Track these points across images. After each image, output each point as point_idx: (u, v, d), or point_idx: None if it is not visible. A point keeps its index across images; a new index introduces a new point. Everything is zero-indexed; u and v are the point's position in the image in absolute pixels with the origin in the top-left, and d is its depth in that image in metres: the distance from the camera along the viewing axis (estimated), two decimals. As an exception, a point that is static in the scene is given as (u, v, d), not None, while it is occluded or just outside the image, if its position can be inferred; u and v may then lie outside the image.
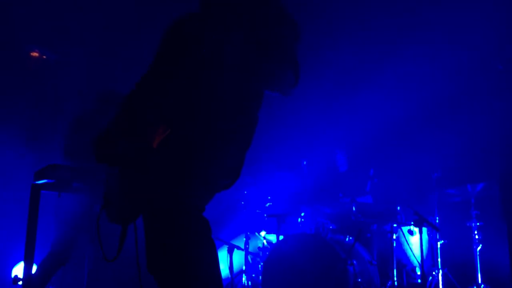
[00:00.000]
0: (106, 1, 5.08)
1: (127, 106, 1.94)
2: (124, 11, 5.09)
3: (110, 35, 5.20)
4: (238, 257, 4.84)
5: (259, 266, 4.58)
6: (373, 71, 5.23)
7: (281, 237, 4.35)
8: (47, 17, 4.96)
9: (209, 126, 1.93)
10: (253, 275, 4.66)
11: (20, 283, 3.08)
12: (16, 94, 4.98)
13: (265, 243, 4.67)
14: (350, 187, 4.84)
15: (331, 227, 4.40)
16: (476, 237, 4.44)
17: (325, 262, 3.85)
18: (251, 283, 4.55)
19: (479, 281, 4.33)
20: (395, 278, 4.10)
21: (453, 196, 4.64)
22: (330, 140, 5.25)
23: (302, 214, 4.53)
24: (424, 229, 4.32)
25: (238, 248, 4.76)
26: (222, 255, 4.79)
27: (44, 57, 5.13)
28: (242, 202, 4.89)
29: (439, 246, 4.45)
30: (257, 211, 4.87)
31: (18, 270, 4.38)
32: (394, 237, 4.21)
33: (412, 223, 4.23)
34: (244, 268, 4.59)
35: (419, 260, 4.04)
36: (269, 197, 4.89)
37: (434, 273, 4.36)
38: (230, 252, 4.70)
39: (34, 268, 3.31)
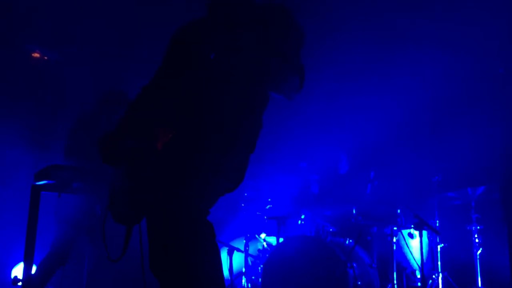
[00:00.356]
0: (107, 1, 5.09)
1: (134, 109, 1.95)
2: (126, 11, 5.09)
3: (112, 35, 5.20)
4: (238, 259, 4.84)
5: (259, 268, 4.58)
6: (374, 75, 5.24)
7: (281, 240, 4.35)
8: (48, 17, 4.96)
9: (215, 129, 1.94)
10: (253, 277, 4.65)
11: (19, 283, 3.07)
12: (18, 94, 4.98)
13: (265, 245, 4.66)
14: (350, 190, 4.84)
15: (331, 229, 4.40)
16: (476, 240, 4.44)
17: (325, 264, 3.84)
18: (250, 285, 4.55)
19: (479, 285, 4.33)
20: (395, 281, 4.10)
21: (453, 199, 4.64)
22: (331, 142, 5.25)
23: (302, 217, 4.53)
24: (424, 232, 4.32)
25: (238, 250, 4.76)
26: (222, 257, 4.78)
27: (46, 58, 5.13)
28: (242, 204, 4.89)
29: (439, 249, 4.44)
30: (257, 213, 4.87)
31: (17, 271, 4.38)
32: (394, 240, 4.20)
33: (412, 226, 4.23)
34: (244, 270, 4.59)
35: (419, 263, 4.04)
36: (269, 199, 4.89)
37: (434, 276, 4.36)
38: (230, 254, 4.69)
39: (34, 269, 3.31)
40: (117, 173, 2.01)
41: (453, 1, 4.84)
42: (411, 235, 4.40)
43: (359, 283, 3.83)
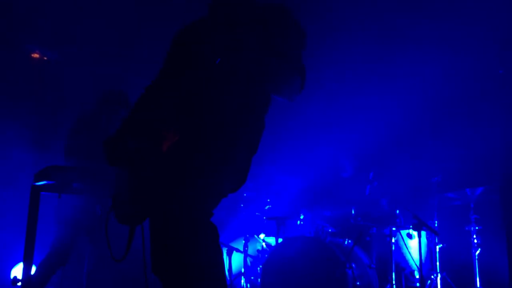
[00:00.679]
0: (107, 1, 5.09)
1: (137, 110, 1.96)
2: (126, 11, 5.09)
3: (112, 35, 5.20)
4: (237, 260, 4.85)
5: (258, 268, 4.59)
6: (374, 75, 5.24)
7: (280, 240, 4.36)
8: (48, 17, 4.96)
9: (218, 130, 1.95)
10: (252, 277, 4.66)
11: (19, 284, 3.08)
12: (18, 94, 4.98)
13: (264, 245, 4.67)
14: (350, 190, 4.85)
15: (330, 230, 4.41)
16: (475, 241, 4.45)
17: (324, 265, 3.85)
18: (250, 285, 4.56)
19: (478, 285, 4.33)
20: (394, 282, 4.11)
21: (452, 200, 4.64)
22: (331, 143, 5.26)
23: (302, 217, 4.53)
24: (423, 233, 4.33)
25: (237, 250, 4.76)
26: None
27: (45, 58, 5.13)
28: (242, 205, 4.90)
29: (438, 249, 4.45)
30: (257, 213, 4.87)
31: (17, 271, 4.38)
32: (393, 240, 4.21)
33: (411, 226, 4.24)
34: (243, 270, 4.60)
35: (418, 263, 4.04)
36: (268, 200, 4.89)
37: (432, 276, 4.37)
38: (229, 255, 4.70)
39: (33, 269, 3.31)
40: (120, 173, 2.02)
41: (453, 1, 4.85)
42: (410, 236, 4.40)
43: (358, 283, 3.83)
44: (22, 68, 5.15)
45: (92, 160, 3.66)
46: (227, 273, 4.68)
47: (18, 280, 3.11)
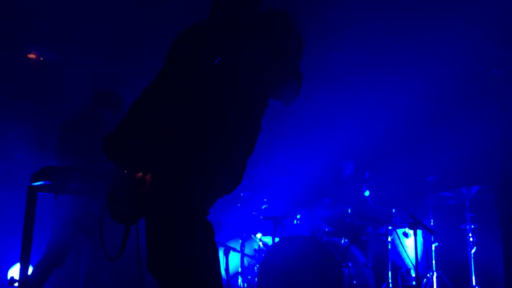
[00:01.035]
0: (107, 1, 5.10)
1: (137, 110, 1.97)
2: (125, 11, 5.10)
3: (111, 35, 5.21)
4: (234, 259, 4.85)
5: (255, 268, 4.60)
6: (371, 76, 5.25)
7: (277, 239, 4.37)
8: (48, 18, 4.97)
9: (217, 131, 1.96)
10: (249, 277, 4.67)
11: (16, 284, 3.09)
12: (18, 95, 4.98)
13: (261, 245, 4.68)
14: (346, 190, 4.86)
15: (326, 229, 4.42)
16: (471, 239, 4.47)
17: (321, 264, 3.87)
18: (247, 285, 4.57)
19: (473, 283, 4.35)
20: (390, 280, 4.13)
21: (448, 199, 4.66)
22: (326, 143, 5.27)
23: (298, 217, 4.55)
24: (419, 232, 4.35)
25: (234, 250, 4.77)
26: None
27: (41, 58, 5.13)
28: (239, 204, 4.90)
29: (433, 248, 4.47)
30: (253, 213, 4.88)
31: (14, 272, 4.39)
32: (389, 239, 4.23)
33: (407, 225, 4.26)
34: (240, 270, 4.61)
35: (414, 262, 4.06)
36: (265, 199, 4.90)
37: (428, 275, 4.39)
38: (226, 254, 4.71)
39: (30, 270, 3.32)
40: (117, 172, 2.03)
41: (448, 2, 4.87)
42: (406, 235, 4.42)
43: (354, 282, 3.85)
44: (22, 68, 5.15)
45: (83, 159, 3.67)
46: (224, 272, 4.69)
47: (15, 281, 3.11)
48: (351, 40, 5.05)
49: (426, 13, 4.97)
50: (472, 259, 4.41)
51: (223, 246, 4.78)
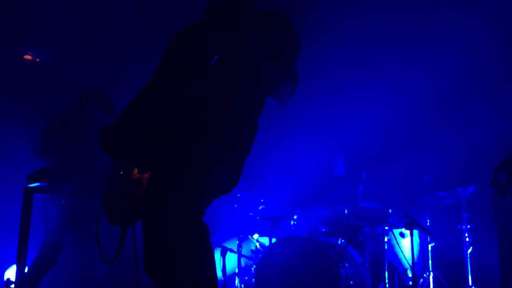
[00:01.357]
0: (106, 1, 5.10)
1: (132, 111, 1.97)
2: (124, 11, 5.10)
3: (110, 35, 5.21)
4: (231, 260, 4.85)
5: (252, 268, 4.60)
6: (366, 77, 5.27)
7: (273, 240, 4.37)
8: (47, 18, 4.96)
9: (214, 132, 1.96)
10: (246, 277, 4.67)
11: (12, 286, 3.07)
12: (16, 95, 4.97)
13: (258, 246, 4.68)
14: (343, 190, 4.87)
15: (323, 230, 4.43)
16: (467, 239, 4.48)
17: (318, 264, 3.87)
18: (244, 285, 4.57)
19: (470, 283, 4.37)
20: (387, 281, 4.13)
21: (444, 199, 4.68)
22: (323, 142, 5.28)
23: (295, 217, 4.55)
24: (416, 232, 4.36)
25: (231, 250, 4.77)
26: (215, 257, 4.78)
27: (38, 59, 5.12)
28: (235, 205, 4.90)
29: (430, 248, 4.48)
30: (250, 214, 4.89)
31: (10, 273, 4.37)
32: (386, 239, 4.24)
33: (403, 225, 4.27)
34: (237, 270, 4.61)
35: (410, 262, 4.07)
36: (262, 200, 4.90)
37: (425, 275, 4.40)
38: (223, 255, 4.71)
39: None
40: (113, 174, 2.03)
41: (445, 2, 4.89)
42: (402, 235, 4.43)
43: (351, 282, 3.86)
44: (20, 68, 5.14)
45: (66, 160, 3.65)
46: (221, 273, 4.68)
47: (12, 282, 3.10)
48: (349, 40, 5.07)
49: (423, 14, 4.99)
50: (469, 259, 4.42)
51: (220, 247, 4.78)
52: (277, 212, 4.75)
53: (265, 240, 4.72)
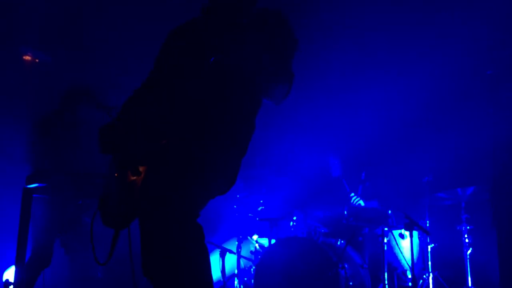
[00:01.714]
0: (101, 2, 5.10)
1: (128, 112, 1.96)
2: (121, 12, 5.10)
3: (109, 35, 5.21)
4: (231, 261, 4.85)
5: (251, 269, 4.60)
6: (365, 77, 5.27)
7: (273, 241, 4.37)
8: (45, 19, 4.96)
9: (213, 132, 1.95)
10: (245, 278, 4.67)
11: (11, 287, 3.07)
12: (15, 96, 4.97)
13: (257, 246, 4.68)
14: (342, 191, 4.87)
15: (323, 230, 4.42)
16: (466, 240, 4.48)
17: (317, 265, 3.87)
18: (243, 286, 4.56)
19: (469, 284, 4.37)
20: (386, 282, 4.13)
21: (443, 200, 4.68)
22: (322, 143, 5.27)
23: (294, 218, 4.54)
24: (415, 233, 4.36)
25: (231, 251, 4.77)
26: (215, 258, 4.79)
27: (37, 60, 5.12)
28: (235, 206, 4.90)
29: (429, 249, 4.48)
30: (250, 214, 4.88)
31: (9, 274, 4.37)
32: (385, 240, 4.23)
33: (403, 226, 4.26)
34: (236, 271, 4.61)
35: (410, 263, 4.07)
36: (261, 201, 4.90)
37: (424, 276, 4.40)
38: (223, 256, 4.71)
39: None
40: (109, 176, 2.02)
41: (443, 2, 4.89)
42: (402, 236, 4.43)
43: (350, 283, 3.85)
44: (19, 69, 5.14)
45: (55, 159, 3.63)
46: (220, 274, 4.68)
47: (10, 283, 3.10)
48: (348, 40, 5.07)
49: (421, 14, 4.99)
50: (468, 260, 4.42)
51: (219, 247, 4.78)
52: (277, 213, 4.74)
53: (264, 241, 4.71)
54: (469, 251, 4.45)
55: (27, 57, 5.05)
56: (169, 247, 1.81)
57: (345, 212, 4.45)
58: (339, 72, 5.30)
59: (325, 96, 5.38)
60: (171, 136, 1.91)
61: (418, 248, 4.48)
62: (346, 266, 3.90)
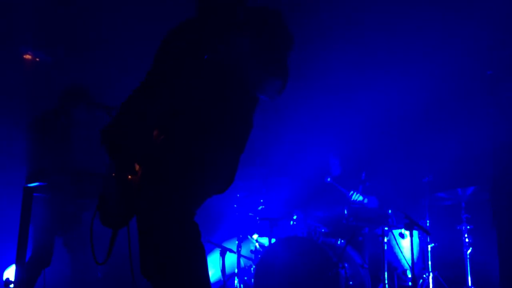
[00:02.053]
0: (100, 2, 5.10)
1: (127, 112, 1.96)
2: (121, 12, 5.10)
3: (107, 35, 5.21)
4: (231, 260, 4.85)
5: (251, 269, 4.60)
6: (365, 76, 5.27)
7: (273, 240, 4.37)
8: (43, 18, 4.96)
9: (207, 131, 1.95)
10: (245, 278, 4.67)
11: (11, 286, 3.07)
12: (13, 96, 4.97)
13: (258, 246, 4.68)
14: (338, 180, 4.86)
15: (323, 230, 4.43)
16: (466, 240, 4.48)
17: (317, 265, 3.87)
18: (243, 286, 4.57)
19: (469, 284, 4.37)
20: (386, 281, 4.13)
21: (443, 200, 4.68)
22: (322, 143, 5.28)
23: (295, 217, 4.55)
24: (415, 232, 4.36)
25: (231, 251, 4.77)
26: (215, 258, 4.80)
27: (37, 59, 5.12)
28: (235, 205, 4.90)
29: (429, 249, 4.48)
30: (250, 214, 4.89)
31: (9, 273, 4.37)
32: (386, 240, 4.24)
33: (403, 226, 4.27)
34: (236, 271, 4.61)
35: (410, 263, 4.07)
36: (261, 200, 4.90)
37: (424, 276, 4.40)
38: (223, 255, 4.71)
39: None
40: (109, 175, 2.02)
41: (442, 2, 4.89)
42: (402, 235, 4.43)
43: (350, 283, 3.86)
44: (19, 69, 5.14)
45: (53, 160, 3.63)
46: (220, 273, 4.68)
47: (11, 282, 3.10)
48: (348, 40, 5.07)
49: (421, 14, 4.99)
50: (468, 260, 4.43)
51: (219, 247, 4.78)
52: (277, 213, 4.75)
53: (264, 241, 4.72)
54: (469, 251, 4.45)
55: (27, 56, 5.05)
56: (166, 246, 1.81)
57: (345, 212, 4.46)
58: (339, 72, 5.30)
59: (325, 96, 5.38)
60: (168, 135, 1.91)
61: (418, 248, 4.48)
62: (346, 266, 3.90)
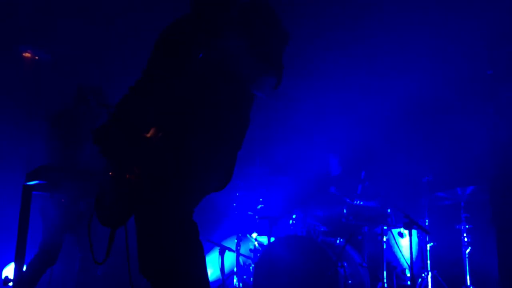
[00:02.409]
0: (99, 2, 5.09)
1: (123, 110, 1.96)
2: (117, 12, 5.10)
3: (107, 35, 5.21)
4: (230, 259, 4.86)
5: (251, 267, 4.60)
6: (364, 75, 5.27)
7: (272, 239, 4.37)
8: (41, 18, 4.96)
9: (204, 129, 1.95)
10: (245, 276, 4.67)
11: (10, 284, 3.08)
12: (12, 96, 4.97)
13: (257, 245, 4.69)
14: (341, 190, 4.87)
15: (322, 229, 4.43)
16: (465, 239, 4.49)
17: (316, 264, 3.87)
18: (242, 284, 4.57)
19: (468, 283, 4.37)
20: (385, 280, 4.14)
21: (443, 199, 4.68)
22: (322, 143, 5.28)
23: (294, 216, 4.55)
24: (414, 232, 4.36)
25: (230, 249, 4.78)
26: (214, 256, 4.80)
27: (37, 57, 5.12)
28: (234, 204, 4.91)
29: (428, 248, 4.49)
30: (249, 213, 4.88)
31: (8, 271, 4.37)
32: (385, 239, 4.24)
33: (402, 225, 4.27)
34: (235, 269, 4.61)
35: (409, 262, 4.07)
36: (261, 199, 4.91)
37: (423, 275, 4.40)
38: (222, 254, 4.71)
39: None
40: (106, 174, 2.02)
41: (442, 2, 4.89)
42: (401, 234, 4.44)
43: (349, 282, 3.86)
44: (19, 68, 5.14)
45: (72, 156, 3.65)
46: (219, 272, 4.68)
47: (10, 280, 3.10)
48: (348, 40, 5.07)
49: (421, 14, 4.99)
50: (467, 259, 4.43)
51: (218, 245, 4.78)
52: (276, 211, 4.75)
53: (263, 239, 4.72)
54: (468, 250, 4.45)
55: (27, 54, 5.05)
56: (164, 244, 1.81)
57: (345, 211, 4.46)
58: (338, 72, 5.30)
59: (325, 96, 5.39)
60: (165, 133, 1.91)
61: (417, 247, 4.49)
62: (345, 264, 3.91)
